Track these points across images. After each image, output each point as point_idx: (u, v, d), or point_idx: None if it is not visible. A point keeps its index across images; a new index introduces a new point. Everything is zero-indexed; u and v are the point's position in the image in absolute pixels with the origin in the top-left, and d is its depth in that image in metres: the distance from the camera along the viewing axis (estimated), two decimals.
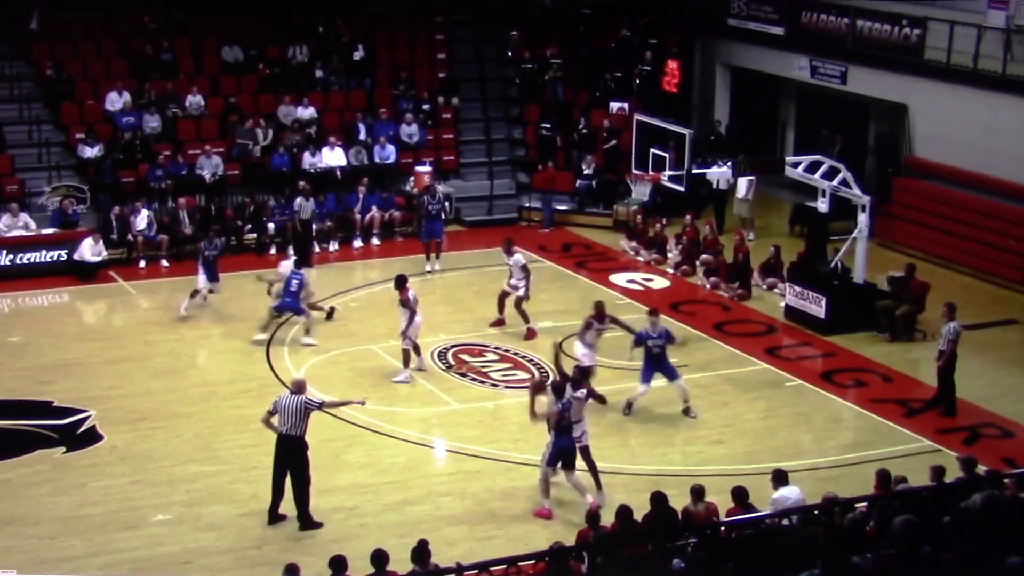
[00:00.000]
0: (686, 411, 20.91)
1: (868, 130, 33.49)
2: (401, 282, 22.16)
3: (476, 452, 19.56)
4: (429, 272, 27.68)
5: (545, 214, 31.84)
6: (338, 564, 13.59)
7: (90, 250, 27.18)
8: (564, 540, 14.11)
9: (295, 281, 23.64)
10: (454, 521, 17.51)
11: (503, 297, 24.40)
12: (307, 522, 17.19)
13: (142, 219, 28.19)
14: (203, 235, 28.42)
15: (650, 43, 34.64)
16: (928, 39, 29.76)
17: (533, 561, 13.03)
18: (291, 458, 17.10)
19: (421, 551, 13.54)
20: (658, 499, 15.00)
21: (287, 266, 24.50)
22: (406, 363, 22.03)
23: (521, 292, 24.07)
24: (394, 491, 18.29)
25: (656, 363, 20.95)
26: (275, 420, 17.14)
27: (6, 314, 25.89)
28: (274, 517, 17.28)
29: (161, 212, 29.01)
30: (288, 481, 17.19)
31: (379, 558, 13.65)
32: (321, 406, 17.44)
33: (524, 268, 24.29)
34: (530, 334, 24.10)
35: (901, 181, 31.07)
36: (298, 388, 17.32)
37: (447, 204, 29.99)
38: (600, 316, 21.50)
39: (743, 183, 29.99)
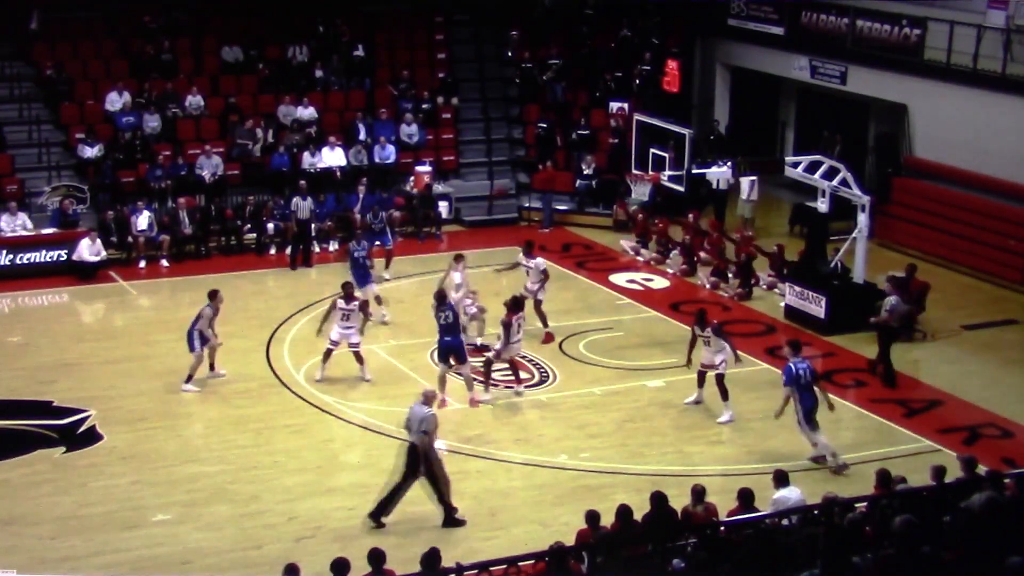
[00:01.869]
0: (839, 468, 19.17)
1: (868, 130, 33.50)
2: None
3: (476, 452, 19.55)
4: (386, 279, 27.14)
5: (545, 214, 31.86)
6: (340, 568, 13.48)
7: (88, 250, 27.19)
8: (564, 540, 14.10)
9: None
10: None
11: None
12: (451, 519, 17.25)
13: (143, 219, 28.19)
14: (205, 235, 28.54)
15: (650, 43, 34.65)
16: (928, 39, 29.77)
17: (533, 561, 13.01)
18: (419, 466, 17.16)
19: (431, 558, 13.44)
20: (658, 499, 14.99)
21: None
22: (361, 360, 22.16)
23: (541, 296, 24.07)
24: None
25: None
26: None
27: (6, 314, 25.90)
28: (376, 520, 17.22)
29: (161, 212, 29.02)
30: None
31: (376, 557, 13.62)
32: (427, 433, 17.20)
33: (544, 272, 24.30)
34: (548, 338, 24.06)
35: (901, 181, 31.08)
36: (425, 399, 17.50)
37: (439, 214, 29.76)
38: (700, 322, 21.19)
39: (746, 183, 30.00)
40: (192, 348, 21.65)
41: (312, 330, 24.32)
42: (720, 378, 20.67)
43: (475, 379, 21.29)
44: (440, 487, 17.30)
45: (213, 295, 22.06)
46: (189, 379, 21.71)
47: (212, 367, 22.07)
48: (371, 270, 25.12)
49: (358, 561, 13.71)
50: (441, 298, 21.28)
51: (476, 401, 21.00)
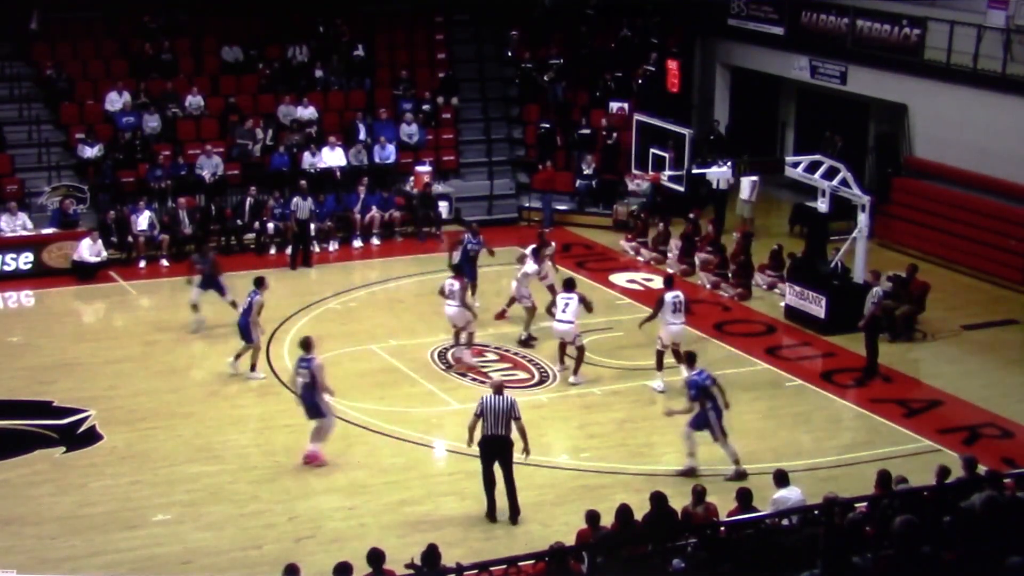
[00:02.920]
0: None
1: (868, 130, 33.50)
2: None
3: (476, 452, 19.52)
4: None
5: (545, 214, 31.84)
6: (343, 572, 13.42)
7: (89, 250, 27.18)
8: (564, 540, 14.11)
9: (247, 300, 21.98)
10: (454, 521, 17.50)
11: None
12: (518, 510, 17.53)
13: (144, 219, 28.19)
14: (203, 235, 28.53)
15: (650, 43, 34.65)
16: (928, 39, 29.77)
17: (533, 561, 13.01)
18: (500, 455, 17.37)
19: (431, 555, 13.45)
20: (658, 499, 15.01)
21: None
22: None
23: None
24: (394, 491, 18.30)
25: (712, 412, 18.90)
26: (480, 423, 17.39)
27: (6, 314, 25.88)
28: (492, 515, 17.55)
29: (161, 212, 29.00)
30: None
31: (375, 558, 13.60)
32: (519, 419, 17.43)
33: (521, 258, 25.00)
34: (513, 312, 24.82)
35: (901, 181, 31.09)
36: (497, 389, 17.64)
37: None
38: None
39: (746, 184, 30.00)
40: (251, 339, 21.85)
41: (312, 330, 24.38)
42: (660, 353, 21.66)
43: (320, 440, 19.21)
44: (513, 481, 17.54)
45: (261, 282, 22.17)
46: (253, 367, 22.03)
47: (254, 367, 22.19)
48: (218, 278, 24.48)
49: (358, 561, 13.72)
50: (307, 346, 19.05)
51: (314, 457, 18.99)
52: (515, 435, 17.48)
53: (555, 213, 31.99)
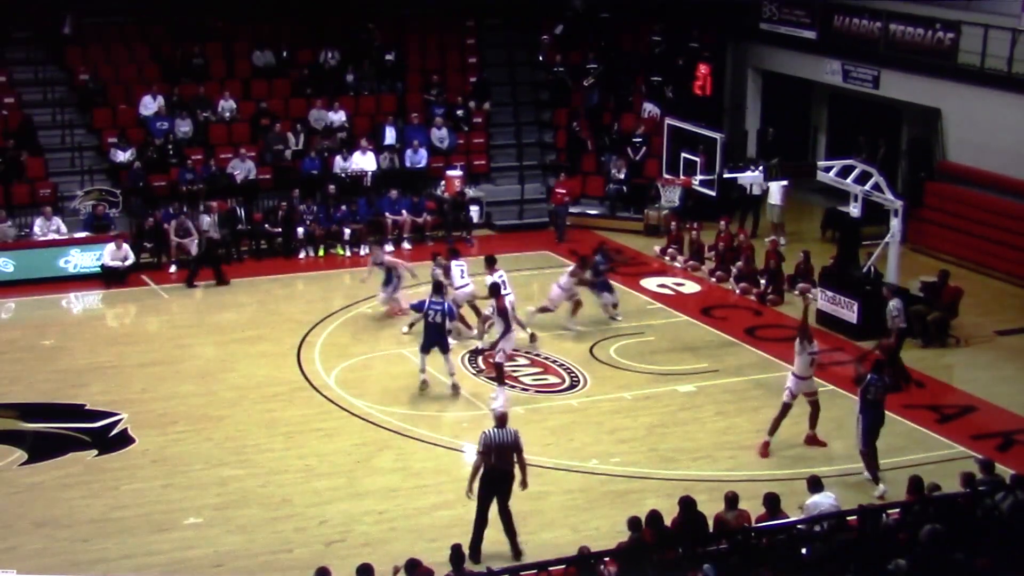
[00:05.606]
0: None
1: (901, 134, 33.34)
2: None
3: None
4: None
5: (559, 227, 31.41)
6: (366, 572, 13.45)
7: (111, 255, 27.13)
8: (594, 545, 14.08)
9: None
10: None
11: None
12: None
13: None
14: (232, 239, 28.56)
15: (682, 47, 34.56)
16: (962, 43, 29.58)
17: (564, 566, 13.00)
18: (501, 489, 16.62)
19: (456, 555, 13.49)
20: (687, 504, 14.98)
21: None
22: None
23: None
24: (424, 495, 18.30)
25: None
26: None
27: (40, 318, 26.00)
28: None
29: (193, 216, 29.05)
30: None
31: (412, 567, 13.57)
32: (522, 452, 16.70)
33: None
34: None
35: (934, 185, 30.93)
36: (500, 421, 16.80)
37: None
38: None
39: (776, 188, 29.86)
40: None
41: (343, 334, 24.43)
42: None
43: None
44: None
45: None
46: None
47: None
48: None
49: (387, 565, 13.73)
50: None
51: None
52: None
53: (568, 223, 31.37)
